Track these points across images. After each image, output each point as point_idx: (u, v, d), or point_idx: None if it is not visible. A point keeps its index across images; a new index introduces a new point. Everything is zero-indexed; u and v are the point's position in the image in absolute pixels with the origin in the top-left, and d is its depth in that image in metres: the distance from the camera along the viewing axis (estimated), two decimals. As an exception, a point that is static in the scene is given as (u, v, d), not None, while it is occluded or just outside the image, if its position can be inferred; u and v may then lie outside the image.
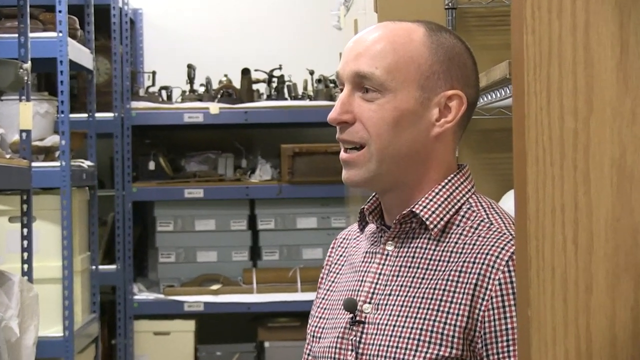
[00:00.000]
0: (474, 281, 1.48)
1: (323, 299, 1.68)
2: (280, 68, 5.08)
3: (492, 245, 1.49)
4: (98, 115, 4.44)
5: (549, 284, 0.91)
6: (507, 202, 2.38)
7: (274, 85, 5.08)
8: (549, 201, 0.92)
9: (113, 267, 4.80)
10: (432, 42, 1.55)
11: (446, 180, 1.57)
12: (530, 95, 0.92)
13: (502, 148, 2.74)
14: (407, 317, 1.51)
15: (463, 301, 1.48)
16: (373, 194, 1.64)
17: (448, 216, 1.55)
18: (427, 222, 1.54)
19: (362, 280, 1.59)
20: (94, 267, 4.25)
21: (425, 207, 1.55)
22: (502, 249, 1.49)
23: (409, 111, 1.53)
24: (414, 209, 1.54)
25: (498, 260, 1.48)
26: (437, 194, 1.56)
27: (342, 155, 1.57)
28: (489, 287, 1.47)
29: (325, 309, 1.66)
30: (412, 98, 1.53)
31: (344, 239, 1.74)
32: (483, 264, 1.48)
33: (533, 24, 0.92)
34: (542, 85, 0.92)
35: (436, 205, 1.55)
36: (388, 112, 1.53)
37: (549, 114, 0.92)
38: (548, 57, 0.92)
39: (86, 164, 4.11)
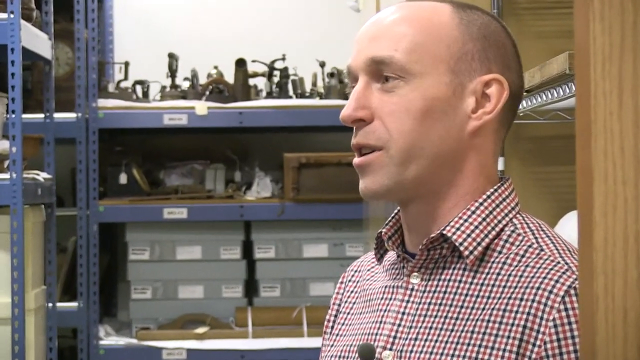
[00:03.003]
0: (522, 322, 1.48)
1: (332, 345, 1.68)
2: (283, 59, 5.09)
3: (544, 278, 1.49)
4: (57, 115, 4.45)
5: (620, 331, 0.91)
6: (566, 228, 2.38)
7: (276, 80, 5.09)
8: (621, 228, 0.92)
9: (74, 304, 4.80)
10: (462, 18, 1.57)
11: (485, 196, 1.57)
12: (598, 97, 0.92)
13: (559, 160, 2.74)
14: (437, 367, 1.51)
15: (508, 347, 1.48)
16: (392, 215, 1.64)
17: (487, 240, 1.55)
18: (461, 248, 1.54)
19: (381, 322, 1.59)
20: (50, 304, 4.25)
21: (458, 229, 1.54)
22: (557, 282, 1.48)
23: (439, 100, 1.54)
24: (444, 232, 1.54)
25: (552, 297, 1.48)
26: (473, 212, 1.56)
27: (355, 160, 1.57)
28: (542, 329, 1.47)
29: (333, 356, 1.66)
30: (443, 84, 1.54)
31: (355, 271, 1.74)
32: (534, 301, 1.48)
33: (602, 8, 0.92)
34: (612, 84, 0.92)
35: (472, 227, 1.55)
36: (414, 103, 1.53)
37: (621, 120, 0.92)
38: (620, 49, 0.92)
39: (42, 176, 4.11)
